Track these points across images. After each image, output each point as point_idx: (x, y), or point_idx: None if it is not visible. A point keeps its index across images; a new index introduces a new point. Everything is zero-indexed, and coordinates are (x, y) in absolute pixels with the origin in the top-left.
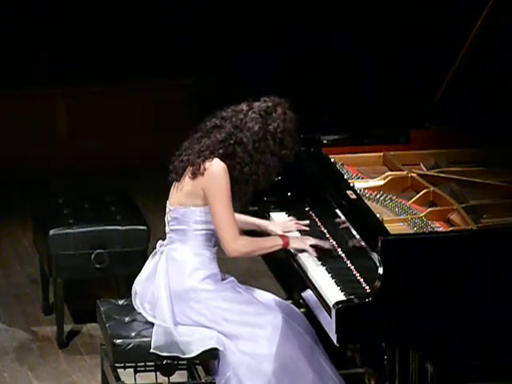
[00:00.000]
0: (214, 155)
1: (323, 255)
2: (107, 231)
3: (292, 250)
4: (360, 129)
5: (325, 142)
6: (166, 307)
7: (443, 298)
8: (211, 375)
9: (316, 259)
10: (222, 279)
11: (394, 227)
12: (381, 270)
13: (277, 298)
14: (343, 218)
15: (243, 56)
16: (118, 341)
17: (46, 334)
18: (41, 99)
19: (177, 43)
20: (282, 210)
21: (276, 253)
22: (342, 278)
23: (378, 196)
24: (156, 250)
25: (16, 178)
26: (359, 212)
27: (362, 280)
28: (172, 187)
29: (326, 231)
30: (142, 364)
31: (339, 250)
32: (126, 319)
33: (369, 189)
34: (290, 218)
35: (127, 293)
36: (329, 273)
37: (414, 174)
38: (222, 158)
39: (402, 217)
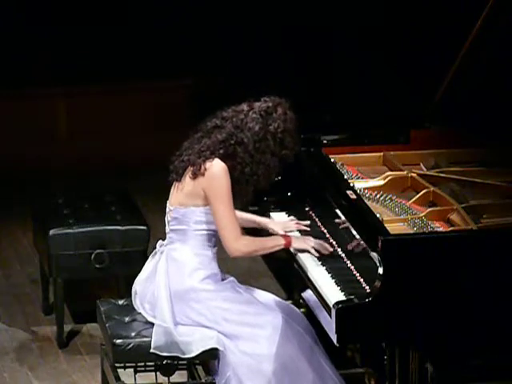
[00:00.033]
0: (215, 155)
1: (323, 255)
2: (107, 231)
3: (292, 250)
4: (360, 129)
5: (325, 142)
6: (166, 307)
7: (443, 298)
8: (211, 375)
9: (316, 259)
10: (222, 279)
11: (394, 227)
12: (381, 270)
13: (277, 298)
14: (343, 217)
15: (243, 56)
16: (118, 341)
17: (46, 333)
18: (41, 99)
19: (177, 43)
20: (282, 210)
21: (276, 253)
22: (342, 278)
23: (378, 196)
24: (156, 249)
25: (16, 177)
26: (359, 212)
27: (362, 280)
28: (172, 187)
29: (325, 231)
30: (142, 364)
31: (339, 249)
32: (126, 319)
33: (369, 189)
34: (291, 217)
35: (127, 293)
36: (329, 273)
37: (414, 174)
38: (223, 159)
39: (401, 217)
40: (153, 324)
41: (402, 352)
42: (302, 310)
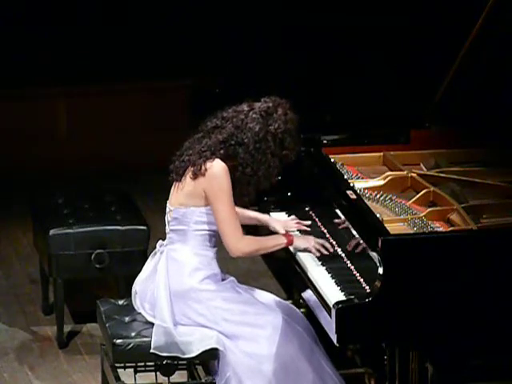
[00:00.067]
0: (215, 156)
1: (323, 255)
2: (107, 231)
3: (292, 250)
4: (360, 129)
5: (325, 142)
6: (166, 307)
7: (443, 298)
8: (211, 375)
9: (316, 259)
10: (222, 279)
11: (394, 227)
12: (381, 270)
13: (277, 298)
14: (343, 217)
15: (243, 56)
16: (118, 341)
17: (45, 333)
18: (41, 99)
19: (176, 43)
20: (282, 210)
21: (276, 253)
22: (342, 278)
23: (378, 196)
24: (156, 250)
25: (16, 178)
26: (359, 212)
27: (362, 280)
28: (172, 187)
29: (326, 231)
30: (142, 364)
31: (339, 249)
32: (126, 319)
33: (369, 189)
34: (292, 216)
35: (127, 293)
36: (329, 273)
37: (414, 174)
38: (223, 159)
39: (401, 217)
40: (153, 324)
41: (402, 352)
42: (302, 310)
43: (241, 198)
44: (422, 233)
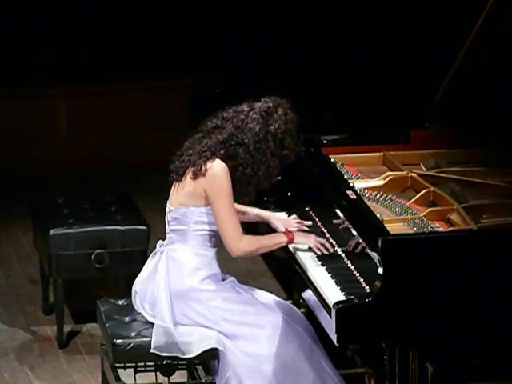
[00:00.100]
0: (216, 156)
1: (323, 255)
2: (107, 231)
3: (292, 249)
4: (360, 129)
5: (325, 142)
6: (166, 307)
7: (443, 298)
8: (211, 375)
9: (316, 259)
10: (222, 279)
11: (394, 227)
12: (381, 270)
13: (277, 298)
14: (343, 217)
15: (243, 56)
16: (118, 341)
17: (45, 333)
18: (41, 99)
19: (176, 43)
20: (282, 210)
21: (276, 252)
22: (342, 278)
23: (378, 196)
24: (156, 250)
25: (16, 178)
26: (359, 212)
27: (362, 280)
28: (172, 187)
29: (326, 231)
30: (142, 364)
31: (339, 249)
32: (126, 319)
33: (369, 189)
34: (294, 216)
35: (127, 293)
36: (329, 273)
37: (414, 174)
38: (224, 159)
39: (401, 217)
40: (153, 324)
41: (402, 352)
42: (302, 310)
43: (241, 197)
44: (421, 233)
